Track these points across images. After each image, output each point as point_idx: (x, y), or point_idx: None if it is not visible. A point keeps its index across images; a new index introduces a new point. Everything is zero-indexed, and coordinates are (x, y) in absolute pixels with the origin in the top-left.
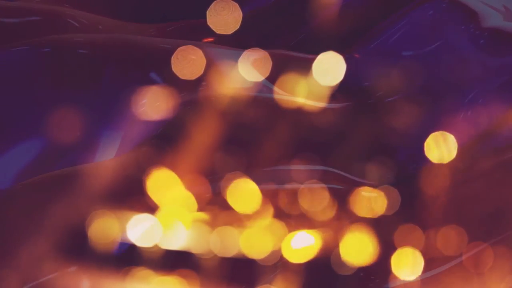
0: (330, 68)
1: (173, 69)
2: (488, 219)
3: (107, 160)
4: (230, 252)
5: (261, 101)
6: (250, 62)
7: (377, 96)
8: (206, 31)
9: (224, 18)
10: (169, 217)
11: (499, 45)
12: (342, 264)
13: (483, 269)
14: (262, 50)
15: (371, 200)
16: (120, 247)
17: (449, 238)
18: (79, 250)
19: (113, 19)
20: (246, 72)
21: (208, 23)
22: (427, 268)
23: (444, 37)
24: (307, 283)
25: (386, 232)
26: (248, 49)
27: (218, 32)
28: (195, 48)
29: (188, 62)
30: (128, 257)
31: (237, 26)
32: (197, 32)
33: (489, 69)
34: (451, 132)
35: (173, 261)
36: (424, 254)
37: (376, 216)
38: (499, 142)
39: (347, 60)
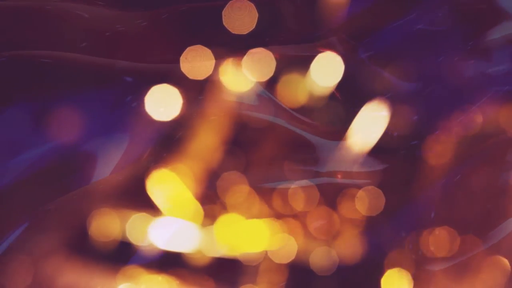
0: (328, 68)
1: (181, 69)
2: (477, 217)
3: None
4: (217, 252)
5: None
6: (254, 62)
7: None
8: (204, 19)
9: (241, 18)
10: (170, 217)
11: (496, 57)
12: (325, 264)
13: (472, 269)
14: (266, 50)
15: (355, 201)
16: (119, 246)
17: (440, 238)
18: (84, 248)
19: (101, 6)
20: (250, 72)
21: (224, 23)
22: (418, 267)
23: (441, 44)
24: (290, 283)
25: (374, 233)
26: (252, 49)
27: (234, 32)
28: (204, 48)
29: (197, 62)
30: (125, 255)
31: (253, 26)
32: (196, 20)
33: (484, 79)
34: (444, 133)
35: (163, 259)
36: (414, 254)
37: (361, 217)
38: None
39: (345, 61)
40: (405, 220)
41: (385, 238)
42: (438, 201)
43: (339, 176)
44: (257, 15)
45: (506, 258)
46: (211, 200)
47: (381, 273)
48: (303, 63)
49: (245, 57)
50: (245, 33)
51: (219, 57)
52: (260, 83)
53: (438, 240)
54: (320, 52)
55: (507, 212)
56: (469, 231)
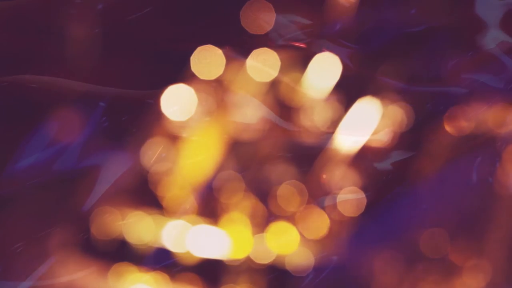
0: (326, 69)
1: (192, 69)
2: (467, 217)
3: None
4: (207, 252)
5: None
6: (258, 61)
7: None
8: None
9: (258, 19)
10: (169, 217)
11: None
12: (304, 265)
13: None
14: (270, 50)
15: (337, 201)
16: (119, 244)
17: (430, 239)
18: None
19: None
20: (254, 72)
21: (241, 24)
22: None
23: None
24: (271, 283)
25: (362, 233)
26: (256, 49)
27: (251, 32)
28: (215, 48)
29: (207, 62)
30: (122, 253)
31: (271, 27)
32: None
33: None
34: (437, 132)
35: (156, 258)
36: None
37: (347, 217)
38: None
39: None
40: (394, 221)
41: (373, 239)
42: (428, 201)
43: (325, 176)
44: (275, 15)
45: (495, 258)
46: (209, 200)
47: (369, 273)
48: (301, 63)
49: (249, 57)
50: (263, 33)
51: (227, 57)
52: (263, 84)
53: (428, 241)
54: (318, 52)
55: (496, 212)
56: (458, 231)
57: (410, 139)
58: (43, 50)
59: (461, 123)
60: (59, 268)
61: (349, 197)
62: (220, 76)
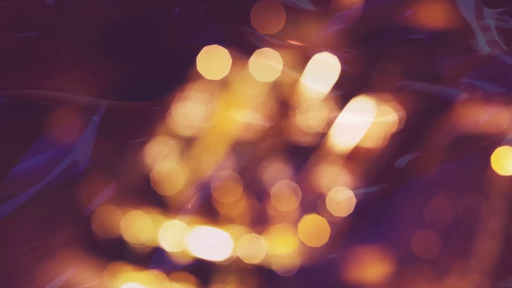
0: (325, 68)
1: (198, 69)
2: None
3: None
4: (204, 252)
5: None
6: (261, 61)
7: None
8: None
9: (268, 18)
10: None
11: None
12: (290, 265)
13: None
14: (273, 50)
15: (327, 202)
16: (119, 243)
17: (422, 240)
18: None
19: None
20: (257, 71)
21: (251, 23)
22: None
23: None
24: (261, 283)
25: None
26: (259, 49)
27: (262, 32)
28: (221, 47)
29: (213, 62)
30: (120, 252)
31: (281, 26)
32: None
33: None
34: (433, 135)
35: (151, 258)
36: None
37: (338, 218)
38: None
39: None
40: (387, 221)
41: (366, 239)
42: (421, 202)
43: (320, 176)
44: (285, 14)
45: (486, 259)
46: (207, 199)
47: (361, 274)
48: (300, 63)
49: (252, 57)
50: (273, 33)
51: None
52: (265, 84)
53: (420, 242)
54: (316, 52)
55: (488, 213)
56: (450, 232)
57: (405, 139)
58: (42, 51)
59: (458, 124)
60: (74, 279)
61: (344, 197)
62: (225, 76)
